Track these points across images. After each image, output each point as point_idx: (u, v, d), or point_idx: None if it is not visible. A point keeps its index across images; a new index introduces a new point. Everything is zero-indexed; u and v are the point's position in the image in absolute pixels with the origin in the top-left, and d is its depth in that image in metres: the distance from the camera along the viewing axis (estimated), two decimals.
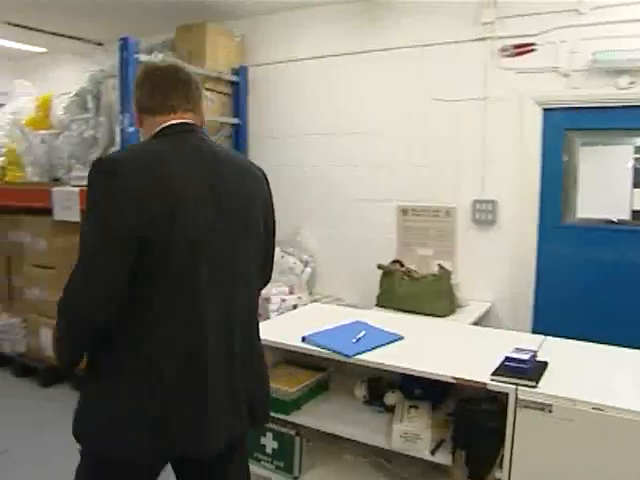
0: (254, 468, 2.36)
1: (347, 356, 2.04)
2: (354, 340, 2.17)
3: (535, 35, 3.27)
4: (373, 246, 3.94)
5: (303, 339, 2.22)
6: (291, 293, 3.87)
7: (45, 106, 4.37)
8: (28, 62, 6.24)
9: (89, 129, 3.84)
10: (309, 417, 2.25)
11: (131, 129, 3.36)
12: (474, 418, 1.70)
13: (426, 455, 1.84)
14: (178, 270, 1.44)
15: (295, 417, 2.26)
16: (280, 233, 4.16)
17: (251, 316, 1.70)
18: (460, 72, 3.53)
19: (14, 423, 3.66)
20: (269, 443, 2.37)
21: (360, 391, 2.28)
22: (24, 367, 4.53)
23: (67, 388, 4.26)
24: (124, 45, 3.33)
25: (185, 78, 1.61)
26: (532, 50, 3.30)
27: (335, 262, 4.15)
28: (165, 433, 1.43)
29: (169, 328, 1.45)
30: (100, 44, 5.16)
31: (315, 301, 4.02)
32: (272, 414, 2.22)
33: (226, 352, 1.55)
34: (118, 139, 3.46)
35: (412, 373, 1.88)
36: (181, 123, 1.57)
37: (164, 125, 1.55)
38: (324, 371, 2.44)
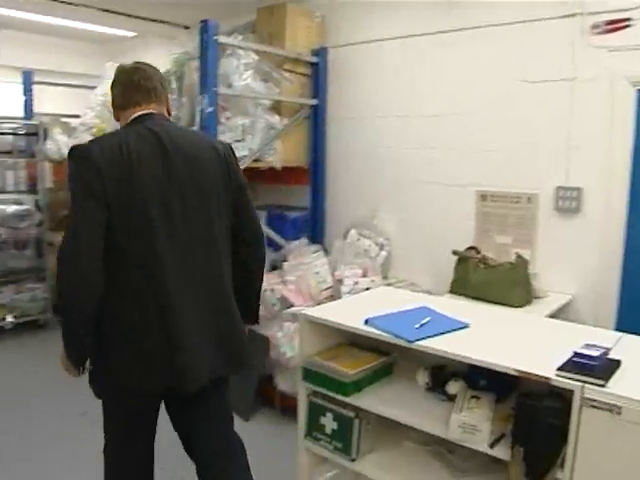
0: (313, 447, 2.38)
1: (408, 341, 2.00)
2: (417, 325, 2.12)
3: (631, 9, 3.04)
4: (450, 231, 3.84)
5: (366, 322, 2.19)
6: (364, 276, 3.84)
7: None
8: (119, 46, 6.50)
9: (172, 109, 3.92)
10: (370, 400, 2.22)
11: (209, 109, 3.42)
12: (535, 414, 1.62)
13: (484, 448, 1.77)
14: (137, 226, 1.84)
15: (356, 399, 2.24)
16: (356, 215, 4.21)
17: (218, 269, 2.01)
18: (547, 51, 3.34)
19: None
20: (329, 423, 2.36)
21: (423, 378, 2.23)
22: None
23: None
24: (204, 28, 3.38)
25: (148, 77, 2.03)
26: (627, 26, 3.07)
27: (411, 246, 4.08)
28: (149, 371, 1.85)
29: (136, 278, 1.85)
30: (187, 27, 5.29)
31: (388, 285, 3.97)
32: (333, 395, 2.24)
33: (193, 299, 1.91)
34: (198, 119, 3.53)
35: (471, 362, 1.82)
36: (144, 113, 1.98)
37: (132, 116, 1.98)
38: (388, 355, 2.40)
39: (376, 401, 2.21)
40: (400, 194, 4.09)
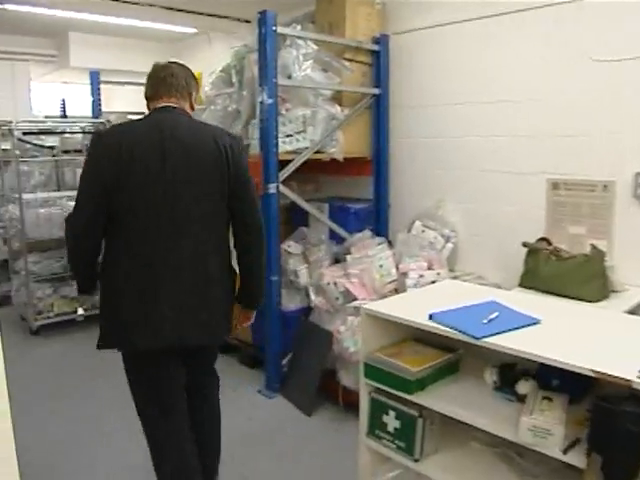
0: (374, 445, 2.32)
1: (475, 338, 1.90)
2: (485, 321, 2.02)
3: None
4: (519, 222, 3.67)
5: (430, 317, 2.10)
6: (430, 269, 3.73)
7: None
8: (182, 43, 6.60)
9: (232, 103, 3.94)
10: (434, 399, 2.13)
11: (269, 101, 3.38)
12: (613, 419, 1.49)
13: (557, 454, 1.66)
14: (132, 204, 2.09)
15: (419, 398, 2.16)
16: (420, 206, 4.10)
17: (203, 247, 2.18)
18: (624, 28, 3.13)
19: None
20: (391, 422, 2.29)
21: (490, 376, 2.11)
22: None
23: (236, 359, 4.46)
24: (262, 19, 3.34)
25: (173, 74, 2.26)
26: None
27: (478, 238, 3.94)
28: (132, 332, 2.13)
29: (128, 252, 2.13)
30: (248, 21, 5.29)
31: (455, 278, 3.85)
32: (395, 392, 2.17)
33: (172, 275, 2.12)
34: (258, 111, 3.51)
35: (543, 361, 1.70)
36: (164, 105, 2.22)
37: (154, 107, 2.25)
38: (454, 352, 2.30)
39: (441, 400, 2.12)
40: (466, 184, 3.94)
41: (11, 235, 5.15)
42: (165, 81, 2.24)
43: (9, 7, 5.15)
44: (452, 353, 2.29)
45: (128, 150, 2.08)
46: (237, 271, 2.40)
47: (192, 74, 2.36)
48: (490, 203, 3.82)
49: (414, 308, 2.29)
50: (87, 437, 3.30)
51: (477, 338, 1.89)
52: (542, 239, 3.42)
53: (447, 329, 2.00)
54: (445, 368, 2.27)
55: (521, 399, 1.95)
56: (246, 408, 3.58)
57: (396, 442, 2.26)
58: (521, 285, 3.33)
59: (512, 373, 2.07)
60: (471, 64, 3.81)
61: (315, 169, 4.21)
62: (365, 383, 2.37)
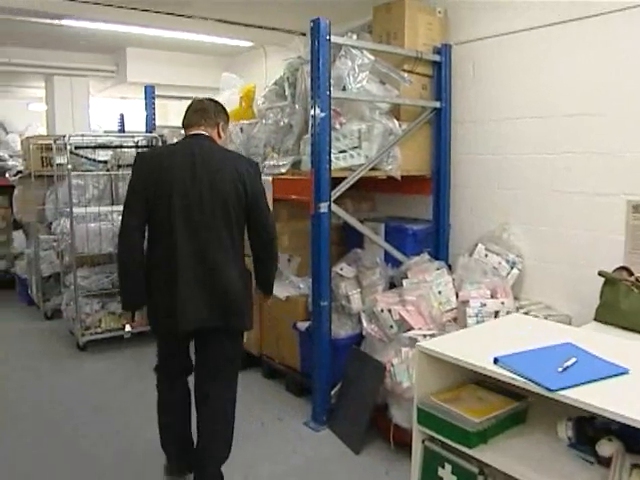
0: None
1: (548, 389, 1.62)
2: (560, 369, 1.73)
3: None
4: (594, 248, 3.33)
5: (495, 361, 1.83)
6: (493, 297, 3.42)
7: (248, 97, 4.42)
8: (237, 58, 6.52)
9: (285, 117, 3.76)
10: (497, 454, 1.86)
11: (322, 114, 3.17)
12: None
13: None
14: (164, 213, 2.51)
15: (480, 452, 1.89)
16: (483, 229, 3.80)
17: (220, 250, 2.57)
18: None
19: None
20: (447, 477, 2.02)
21: (565, 431, 1.82)
22: None
23: (258, 374, 4.29)
24: (315, 27, 3.13)
25: (203, 107, 2.74)
26: None
27: (547, 265, 3.60)
28: (162, 316, 2.60)
29: (159, 251, 2.57)
30: (303, 34, 5.12)
31: (520, 307, 3.53)
32: (453, 444, 1.90)
33: (195, 268, 2.53)
34: (310, 126, 3.31)
35: (634, 424, 1.41)
36: (195, 133, 2.67)
37: (187, 134, 2.71)
38: (521, 399, 2.02)
39: (505, 456, 1.85)
40: (534, 205, 3.62)
41: (62, 249, 5.11)
42: (197, 113, 2.71)
43: (67, 23, 5.17)
44: (519, 401, 2.01)
45: (166, 169, 2.55)
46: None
47: (223, 108, 2.83)
48: (561, 226, 3.48)
49: (476, 348, 2.03)
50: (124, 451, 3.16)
51: (551, 390, 1.61)
52: (621, 268, 3.08)
53: (515, 377, 1.73)
54: (510, 418, 2.00)
55: (603, 462, 1.66)
56: (291, 440, 3.35)
57: None
58: (597, 319, 2.99)
59: (591, 428, 1.77)
60: (540, 75, 3.50)
61: (371, 187, 3.98)
62: (418, 430, 2.11)
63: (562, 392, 1.60)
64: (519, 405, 2.00)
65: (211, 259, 2.55)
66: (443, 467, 2.03)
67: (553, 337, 2.04)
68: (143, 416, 3.58)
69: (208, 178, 2.54)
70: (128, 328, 4.94)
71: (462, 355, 1.92)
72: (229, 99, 4.55)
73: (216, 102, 2.83)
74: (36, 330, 5.58)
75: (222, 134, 2.78)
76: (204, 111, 2.71)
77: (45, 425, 3.59)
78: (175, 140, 5.08)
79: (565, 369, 1.73)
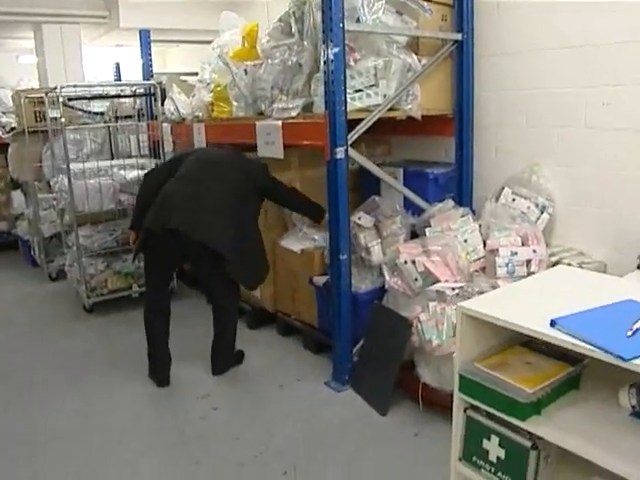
0: (470, 474, 1.87)
1: (622, 359, 1.39)
2: (629, 332, 1.50)
3: None
4: (631, 190, 3.06)
5: (552, 323, 1.59)
6: (524, 244, 3.17)
7: (251, 37, 4.05)
8: None
9: (292, 55, 3.42)
10: (551, 427, 1.65)
11: (335, 50, 2.85)
12: None
13: None
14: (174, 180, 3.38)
15: (533, 424, 1.68)
16: (510, 171, 3.51)
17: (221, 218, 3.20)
18: None
19: None
20: (493, 449, 1.82)
21: (627, 398, 1.60)
22: None
23: (273, 331, 4.11)
24: None
25: None
26: None
27: (581, 208, 3.33)
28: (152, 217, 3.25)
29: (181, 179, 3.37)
30: None
31: (552, 255, 3.28)
32: (502, 415, 1.70)
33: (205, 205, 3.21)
34: (322, 63, 2.99)
35: None
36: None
37: None
38: (576, 363, 1.79)
39: (560, 428, 1.64)
40: (567, 144, 3.32)
41: (62, 208, 4.87)
42: None
43: None
44: (574, 366, 1.78)
45: (185, 161, 3.48)
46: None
47: None
48: (599, 167, 3.19)
49: (525, 308, 1.80)
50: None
51: (625, 360, 1.38)
52: None
53: (578, 342, 1.49)
54: (564, 385, 1.77)
55: None
56: (311, 403, 3.17)
57: (499, 475, 1.81)
58: None
59: None
60: None
61: (385, 129, 3.66)
62: (460, 398, 1.90)
63: (637, 361, 1.36)
64: (574, 370, 1.78)
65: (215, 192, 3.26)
66: (489, 439, 1.83)
67: (608, 293, 1.80)
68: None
69: (215, 170, 3.39)
70: (136, 287, 4.75)
71: (513, 317, 1.69)
72: (230, 40, 4.21)
73: None
74: (41, 292, 5.40)
75: None
76: None
77: (55, 390, 3.45)
78: (173, 86, 4.79)
79: (635, 332, 1.50)
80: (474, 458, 1.89)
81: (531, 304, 1.84)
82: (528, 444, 1.71)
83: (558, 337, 1.55)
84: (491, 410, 1.77)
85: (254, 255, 3.35)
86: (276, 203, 3.70)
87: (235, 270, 3.22)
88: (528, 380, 1.71)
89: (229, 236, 3.13)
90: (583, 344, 1.48)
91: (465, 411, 1.91)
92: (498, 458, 1.80)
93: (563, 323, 1.58)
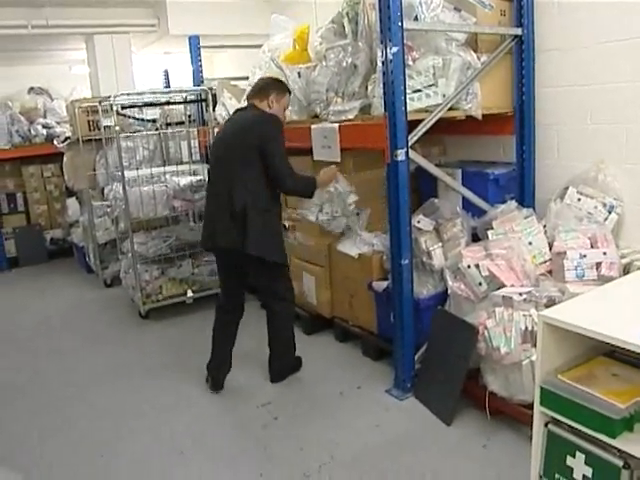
0: None
1: None
2: None
3: None
4: None
5: None
6: (593, 246, 3.04)
7: (302, 39, 4.01)
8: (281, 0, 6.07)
9: (347, 56, 3.36)
10: None
11: (395, 49, 2.77)
12: None
13: None
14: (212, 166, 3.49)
15: (624, 442, 1.58)
16: (575, 170, 3.37)
17: (238, 187, 3.15)
18: None
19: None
20: (579, 467, 1.73)
21: None
22: None
23: (331, 337, 4.06)
24: None
25: (261, 83, 3.40)
26: None
27: None
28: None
29: (209, 191, 3.45)
30: None
31: (622, 257, 3.13)
32: (591, 432, 1.60)
33: (224, 210, 3.19)
34: (380, 64, 2.92)
35: None
36: (248, 104, 3.37)
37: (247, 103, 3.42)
38: None
39: None
40: (635, 140, 3.16)
41: (117, 215, 4.92)
42: (252, 89, 3.41)
43: None
44: None
45: (216, 138, 3.54)
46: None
47: (277, 83, 3.38)
48: None
49: (610, 316, 1.71)
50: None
51: None
52: None
53: None
54: None
55: None
56: (373, 411, 3.10)
57: None
58: None
59: None
60: None
61: (441, 129, 3.56)
62: (541, 412, 1.81)
63: None
64: None
65: (228, 197, 3.16)
66: (573, 456, 1.74)
67: None
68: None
69: (238, 135, 3.21)
70: (190, 294, 4.76)
71: (599, 327, 1.59)
72: (281, 43, 4.18)
73: (274, 79, 3.46)
74: (97, 298, 5.49)
75: (273, 105, 3.27)
76: (257, 86, 3.36)
77: (114, 395, 3.47)
78: (224, 91, 4.79)
79: None
80: (557, 475, 1.81)
81: (616, 312, 1.75)
82: (619, 463, 1.61)
83: None
84: (577, 426, 1.67)
85: (271, 224, 3.25)
86: (267, 171, 3.15)
87: (257, 246, 3.13)
88: (618, 394, 1.62)
89: (252, 228, 3.11)
90: None
91: (546, 425, 1.82)
92: (584, 477, 1.71)
93: None
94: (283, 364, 3.51)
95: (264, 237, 3.16)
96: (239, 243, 3.12)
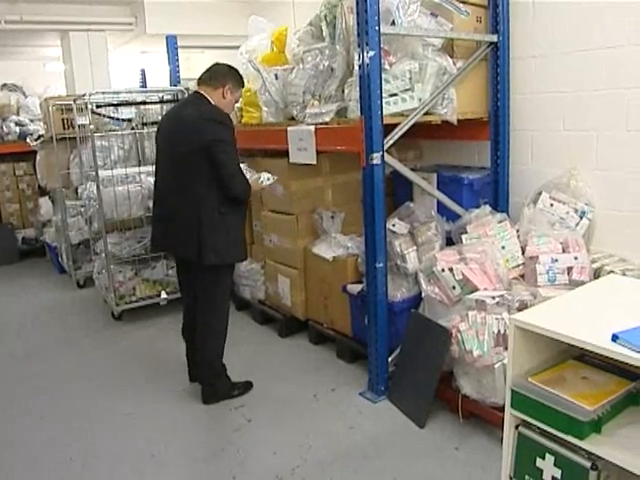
0: None
1: None
2: None
3: None
4: None
5: (614, 338, 1.52)
6: (564, 251, 3.08)
7: (280, 41, 4.01)
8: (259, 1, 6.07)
9: (324, 59, 3.36)
10: (612, 446, 1.58)
11: (371, 53, 2.79)
12: None
13: None
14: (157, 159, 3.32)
15: (593, 443, 1.60)
16: (547, 176, 3.42)
17: (187, 192, 3.01)
18: None
19: (251, 372, 3.57)
20: (548, 468, 1.75)
21: None
22: (263, 314, 4.42)
23: (305, 339, 4.06)
24: None
25: (219, 69, 3.13)
26: None
27: (622, 213, 3.22)
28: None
29: (157, 188, 3.33)
30: None
31: (593, 261, 3.18)
32: (560, 434, 1.62)
33: (175, 212, 3.09)
34: (357, 68, 2.93)
35: None
36: (195, 90, 3.16)
37: (194, 91, 3.20)
38: (637, 379, 1.71)
39: (622, 448, 1.56)
40: (608, 147, 3.22)
41: (90, 215, 4.86)
42: (207, 74, 3.12)
43: None
44: (634, 381, 1.71)
45: (161, 130, 3.26)
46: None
47: (234, 73, 3.15)
48: (636, 170, 3.09)
49: (581, 320, 1.74)
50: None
51: None
52: None
53: None
54: (623, 401, 1.70)
55: None
56: (346, 414, 3.10)
57: None
58: None
59: None
60: None
61: (417, 133, 3.59)
62: (511, 414, 1.83)
63: None
64: (635, 385, 1.70)
65: (181, 201, 3.03)
66: (543, 458, 1.76)
67: None
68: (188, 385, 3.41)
69: (181, 128, 3.03)
70: (164, 295, 4.72)
71: (571, 331, 1.62)
72: (259, 45, 4.17)
73: (232, 68, 3.17)
74: (69, 299, 5.41)
75: (227, 95, 3.09)
76: (209, 73, 3.11)
77: (87, 398, 3.42)
78: None
79: None
80: (527, 477, 1.83)
81: (586, 316, 1.78)
82: (587, 464, 1.64)
83: (622, 353, 1.48)
84: (547, 428, 1.70)
85: (229, 228, 3.06)
86: (212, 168, 2.95)
87: (215, 255, 3.01)
88: (587, 397, 1.64)
89: (207, 238, 2.98)
90: None
91: (517, 428, 1.84)
92: (553, 478, 1.73)
93: (626, 337, 1.51)
94: (208, 382, 3.29)
95: (223, 244, 3.02)
96: (195, 255, 3.00)
